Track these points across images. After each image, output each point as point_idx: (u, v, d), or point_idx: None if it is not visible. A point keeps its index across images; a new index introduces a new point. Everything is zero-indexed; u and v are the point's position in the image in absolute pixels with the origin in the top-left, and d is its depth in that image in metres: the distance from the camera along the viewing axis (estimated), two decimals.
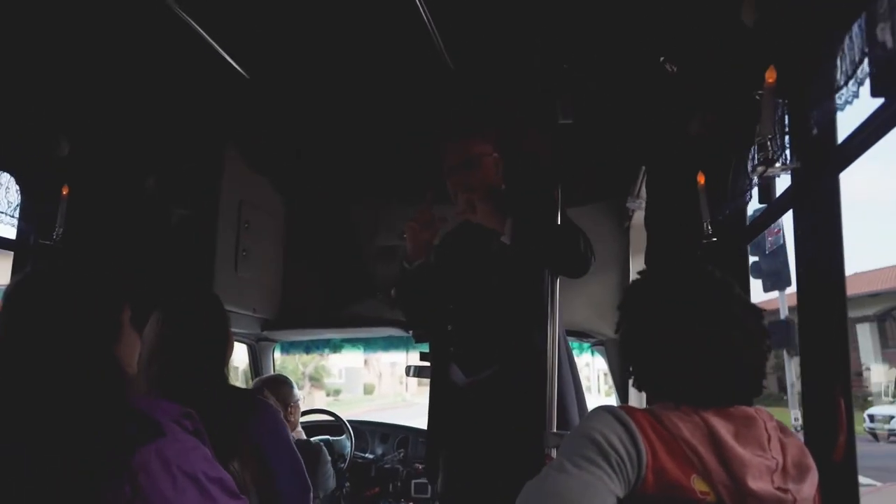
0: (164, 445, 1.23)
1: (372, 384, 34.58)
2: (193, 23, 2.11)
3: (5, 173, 2.31)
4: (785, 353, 6.32)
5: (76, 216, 2.37)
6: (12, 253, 2.36)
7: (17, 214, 2.35)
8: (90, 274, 1.39)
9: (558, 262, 2.24)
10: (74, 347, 1.25)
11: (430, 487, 3.64)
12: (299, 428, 3.49)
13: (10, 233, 2.35)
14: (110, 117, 2.59)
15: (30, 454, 1.15)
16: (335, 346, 4.74)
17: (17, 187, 2.35)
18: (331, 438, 3.78)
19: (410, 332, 3.81)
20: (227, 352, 1.97)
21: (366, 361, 32.24)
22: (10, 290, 1.32)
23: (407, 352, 4.88)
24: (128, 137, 2.71)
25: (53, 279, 1.35)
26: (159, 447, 1.22)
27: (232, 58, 2.36)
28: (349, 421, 4.09)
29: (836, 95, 1.21)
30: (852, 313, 19.48)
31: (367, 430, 4.34)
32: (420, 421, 3.32)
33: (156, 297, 1.92)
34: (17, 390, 1.21)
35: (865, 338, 21.24)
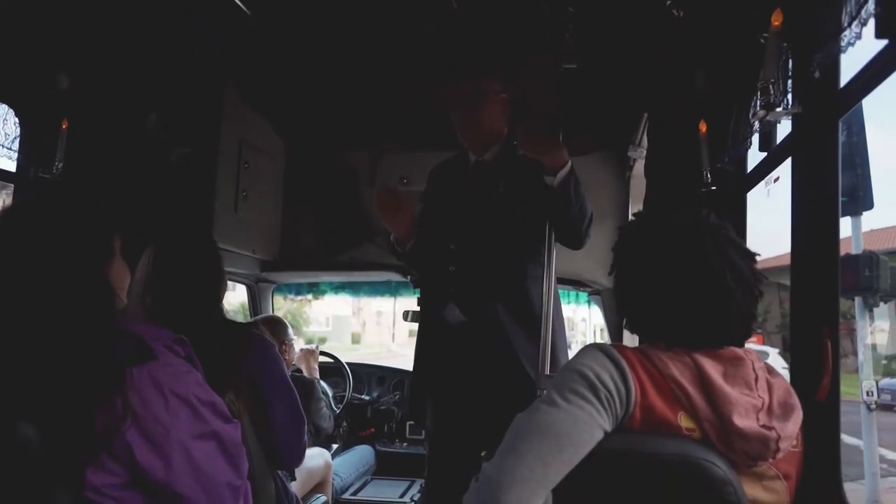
0: (156, 368, 1.25)
1: (358, 333, 34.06)
2: None
3: (3, 105, 2.30)
4: (857, 303, 4.41)
5: (76, 150, 2.37)
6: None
7: (14, 147, 2.35)
8: (82, 200, 1.39)
9: (560, 232, 2.27)
10: (65, 268, 1.25)
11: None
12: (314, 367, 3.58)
13: (10, 166, 2.35)
14: (110, 52, 2.56)
15: (20, 371, 1.16)
16: (320, 291, 4.76)
17: (16, 120, 2.35)
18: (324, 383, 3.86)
19: (408, 277, 3.85)
20: (220, 286, 1.98)
21: (357, 310, 32.01)
22: (3, 213, 1.32)
23: (395, 298, 4.91)
24: (128, 73, 2.68)
25: (45, 203, 1.35)
26: (151, 370, 1.24)
27: None
28: (347, 364, 4.16)
29: (840, 37, 1.19)
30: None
31: (363, 373, 4.42)
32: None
33: (149, 232, 1.93)
34: (6, 309, 1.21)
35: None
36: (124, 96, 2.70)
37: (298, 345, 3.58)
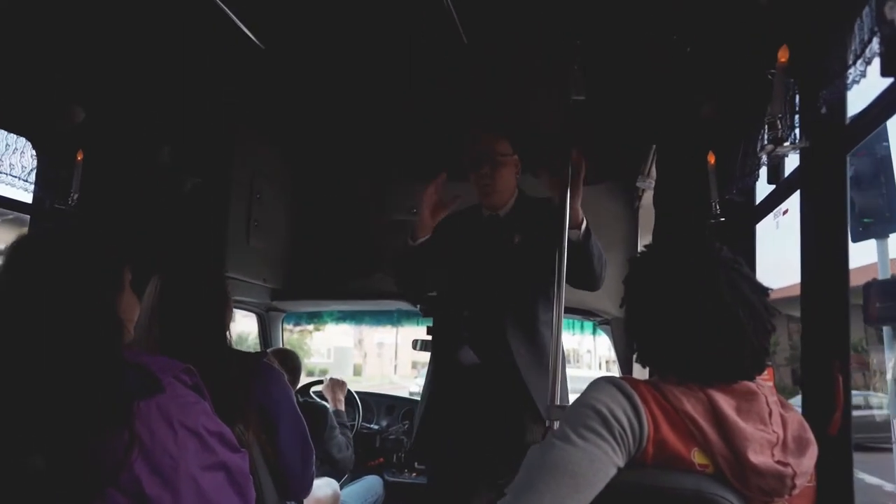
0: (164, 400, 1.25)
1: (360, 365, 33.36)
2: None
3: (21, 138, 2.34)
4: (886, 333, 4.66)
5: (91, 181, 2.40)
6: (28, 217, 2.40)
7: (31, 179, 2.38)
8: (94, 232, 1.40)
9: (579, 282, 2.33)
10: (74, 301, 1.25)
11: None
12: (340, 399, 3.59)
13: (26, 197, 2.38)
14: (125, 85, 2.61)
15: (28, 404, 1.16)
16: (322, 320, 4.76)
17: (33, 152, 2.38)
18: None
19: (418, 306, 3.85)
20: (226, 315, 1.99)
21: (359, 341, 31.66)
22: (16, 243, 1.32)
23: (397, 328, 4.90)
24: (142, 105, 2.73)
25: (57, 235, 1.36)
26: (159, 402, 1.24)
27: (247, 27, 2.37)
28: (356, 392, 4.14)
29: (846, 75, 1.21)
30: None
31: (372, 402, 4.40)
32: None
33: (157, 262, 1.94)
34: (16, 341, 1.20)
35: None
36: (138, 128, 2.74)
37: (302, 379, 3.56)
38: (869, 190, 3.21)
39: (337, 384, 3.66)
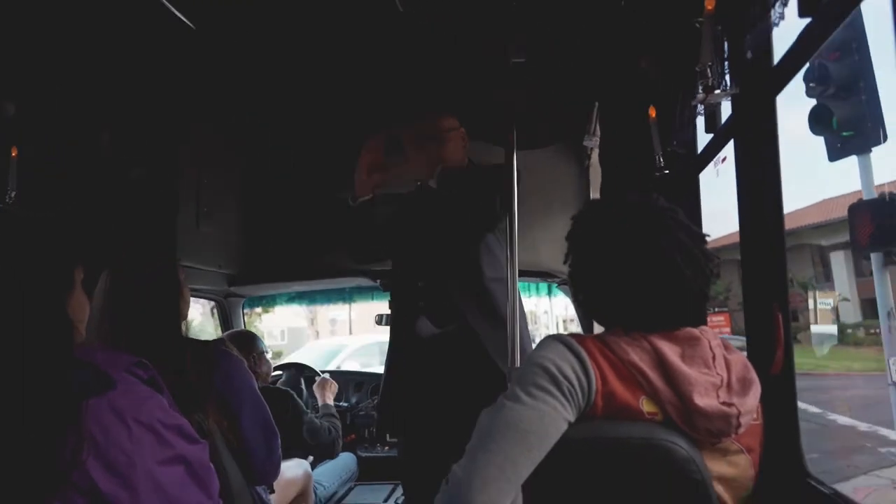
0: (116, 396, 1.22)
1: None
2: None
3: None
4: (875, 260, 3.80)
5: (29, 178, 2.33)
6: None
7: None
8: (42, 231, 1.37)
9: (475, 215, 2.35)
10: (21, 304, 1.21)
11: None
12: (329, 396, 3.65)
13: None
14: (57, 75, 2.52)
15: None
16: (273, 302, 4.75)
17: None
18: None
19: (378, 280, 3.85)
20: (180, 305, 1.96)
21: (311, 321, 31.45)
22: None
23: (349, 305, 4.90)
24: (76, 95, 2.64)
25: (3, 235, 1.33)
26: (111, 398, 1.22)
27: (176, 8, 2.31)
28: (322, 371, 4.15)
29: (767, 18, 1.22)
30: (825, 241, 18.17)
31: (340, 380, 4.40)
32: None
33: (107, 257, 1.91)
34: None
35: (840, 266, 18.65)
36: (73, 118, 2.66)
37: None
38: (847, 98, 3.02)
39: (326, 383, 3.71)
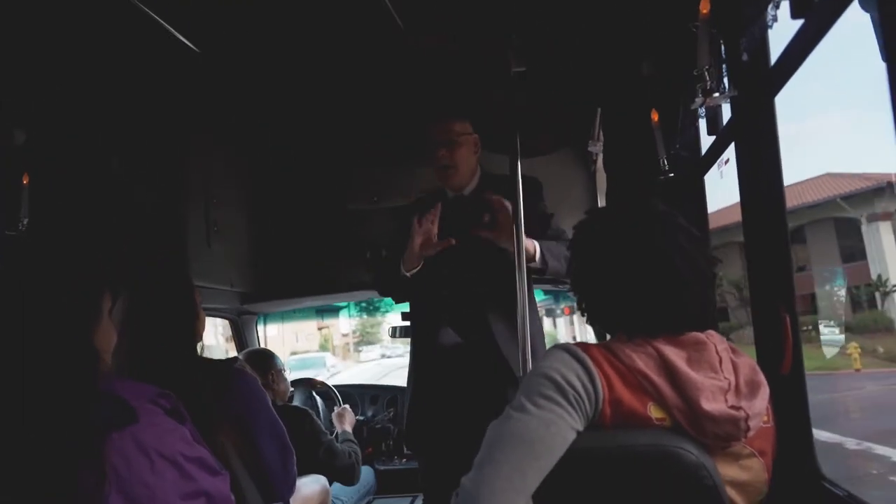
0: (139, 430, 1.23)
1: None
2: (139, 2, 2.09)
3: None
4: None
5: (41, 204, 2.36)
6: None
7: None
8: (70, 259, 1.36)
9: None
10: (47, 335, 1.22)
11: None
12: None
13: None
14: (66, 100, 2.56)
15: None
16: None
17: None
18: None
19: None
20: (196, 327, 1.97)
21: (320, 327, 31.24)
22: None
23: (338, 319, 4.91)
24: (85, 121, 2.68)
25: (29, 264, 1.32)
26: (134, 432, 1.22)
27: (180, 33, 2.34)
28: (335, 386, 4.15)
29: (761, 20, 1.22)
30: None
31: (356, 394, 4.41)
32: None
33: (124, 281, 1.91)
34: None
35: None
36: (83, 144, 2.69)
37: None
38: None
39: (345, 413, 3.70)
